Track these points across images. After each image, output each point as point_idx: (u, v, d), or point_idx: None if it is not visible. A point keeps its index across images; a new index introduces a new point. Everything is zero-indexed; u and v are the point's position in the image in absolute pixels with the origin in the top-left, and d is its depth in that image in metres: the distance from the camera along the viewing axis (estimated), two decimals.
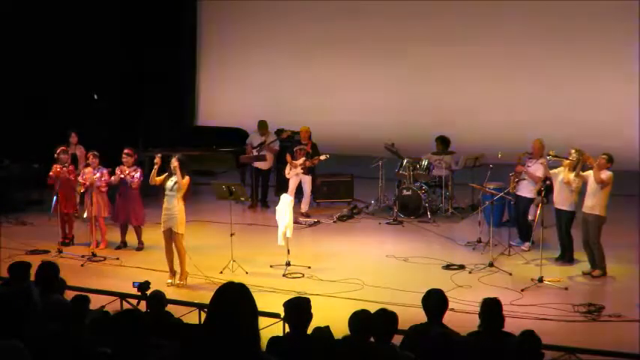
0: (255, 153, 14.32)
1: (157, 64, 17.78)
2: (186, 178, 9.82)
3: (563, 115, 15.56)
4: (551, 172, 10.69)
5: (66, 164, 11.77)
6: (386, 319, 5.44)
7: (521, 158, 11.39)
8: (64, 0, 16.15)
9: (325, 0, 17.51)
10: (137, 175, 11.38)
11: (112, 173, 11.54)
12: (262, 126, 14.54)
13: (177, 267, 9.98)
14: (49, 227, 12.29)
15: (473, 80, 16.35)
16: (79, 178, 11.75)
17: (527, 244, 11.26)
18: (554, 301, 9.03)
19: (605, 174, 9.99)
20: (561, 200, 10.53)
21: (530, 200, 11.14)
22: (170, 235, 9.84)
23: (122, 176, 11.33)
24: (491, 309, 5.78)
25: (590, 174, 10.10)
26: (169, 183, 9.80)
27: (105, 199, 11.62)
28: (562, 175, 10.40)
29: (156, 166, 9.96)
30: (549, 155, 10.62)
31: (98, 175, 11.43)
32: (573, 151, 10.32)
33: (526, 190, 11.22)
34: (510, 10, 16.04)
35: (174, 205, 9.78)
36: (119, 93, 17.34)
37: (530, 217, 11.48)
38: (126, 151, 11.47)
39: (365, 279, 9.88)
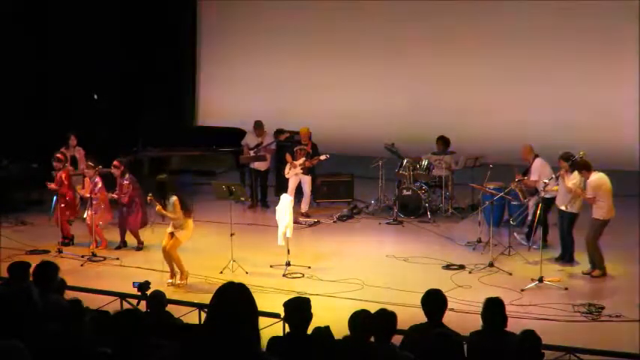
0: (252, 154, 14.31)
1: (157, 64, 17.78)
2: (173, 198, 9.80)
3: (563, 115, 15.55)
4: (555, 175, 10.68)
5: (66, 165, 11.77)
6: (386, 319, 5.44)
7: (517, 168, 11.53)
8: (64, 0, 16.16)
9: (325, 0, 17.51)
10: (131, 187, 11.36)
11: (110, 172, 11.57)
12: (258, 126, 14.51)
13: (176, 267, 9.98)
14: (49, 227, 12.29)
15: (473, 81, 16.33)
16: (79, 191, 11.77)
17: (539, 242, 11.16)
18: (554, 301, 9.04)
19: (571, 182, 10.05)
20: (564, 202, 10.54)
21: (549, 199, 10.97)
22: (170, 238, 9.86)
23: (121, 200, 11.37)
24: (493, 309, 5.79)
25: (589, 181, 10.06)
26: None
27: (106, 206, 11.61)
28: (563, 183, 10.42)
29: (157, 207, 9.95)
30: (546, 186, 10.57)
31: (93, 186, 11.42)
32: (562, 160, 10.35)
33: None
34: (510, 11, 16.03)
35: (178, 222, 9.83)
36: (119, 93, 17.33)
37: (529, 217, 11.49)
38: (114, 163, 11.48)
39: (365, 279, 9.88)
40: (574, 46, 15.63)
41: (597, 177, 10.02)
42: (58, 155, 11.96)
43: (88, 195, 11.37)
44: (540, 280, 9.63)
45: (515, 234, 11.29)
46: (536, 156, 11.52)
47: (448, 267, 10.54)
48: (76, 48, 16.27)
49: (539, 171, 11.32)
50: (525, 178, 11.51)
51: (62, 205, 11.66)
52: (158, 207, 9.82)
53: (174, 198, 9.78)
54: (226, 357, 3.27)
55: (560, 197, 10.62)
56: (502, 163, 12.35)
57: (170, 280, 9.87)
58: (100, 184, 11.45)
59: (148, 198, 10.06)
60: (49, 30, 16.07)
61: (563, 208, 10.56)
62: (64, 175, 11.80)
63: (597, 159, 10.85)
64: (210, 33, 18.98)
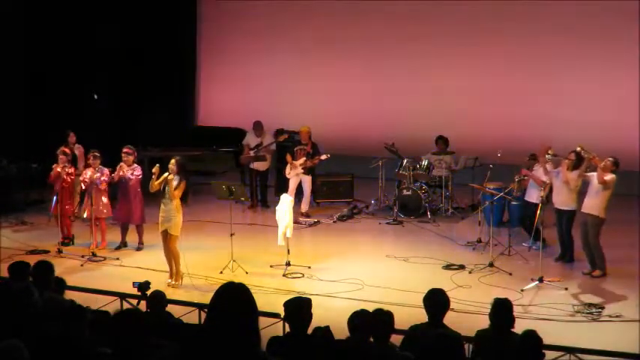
0: (252, 154, 14.32)
1: (157, 63, 17.77)
2: (183, 180, 9.82)
3: (564, 115, 15.55)
4: (552, 171, 10.67)
5: (66, 165, 11.73)
6: (381, 318, 5.44)
7: (529, 161, 11.53)
8: (64, 0, 16.17)
9: (325, 0, 17.51)
10: (136, 172, 11.37)
11: (112, 172, 11.53)
12: (258, 127, 14.52)
13: (174, 267, 9.96)
14: (49, 227, 12.30)
15: (473, 80, 16.33)
16: (80, 178, 11.75)
17: (539, 243, 11.15)
18: (554, 301, 9.03)
19: (609, 176, 9.97)
20: (561, 200, 10.54)
21: (537, 206, 10.92)
22: (166, 236, 9.86)
23: (121, 174, 11.31)
24: (501, 310, 5.81)
25: (592, 175, 10.07)
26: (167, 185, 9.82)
27: (106, 199, 11.59)
28: (561, 174, 10.42)
29: (154, 176, 9.94)
30: (548, 154, 10.61)
31: (98, 174, 11.39)
32: (573, 153, 10.34)
33: (534, 196, 11.03)
34: (510, 10, 16.02)
35: (170, 208, 9.80)
36: (119, 92, 17.32)
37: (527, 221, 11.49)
38: (125, 149, 11.43)
39: (365, 279, 9.87)
40: (575, 46, 15.63)
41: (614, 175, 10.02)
42: (65, 149, 11.95)
43: (92, 180, 11.27)
44: (540, 280, 9.63)
45: (523, 244, 11.29)
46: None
47: (448, 267, 10.54)
48: (75, 47, 16.28)
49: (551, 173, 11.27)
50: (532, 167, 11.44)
51: (62, 202, 11.61)
52: (170, 176, 9.75)
53: (184, 180, 9.80)
54: (226, 357, 3.27)
55: (558, 197, 10.61)
56: (502, 163, 12.34)
57: (169, 280, 9.85)
58: (106, 175, 11.41)
59: (154, 169, 10.01)
60: (49, 30, 16.07)
61: (560, 207, 10.55)
62: (72, 170, 11.81)
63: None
64: (210, 33, 18.99)
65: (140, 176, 11.41)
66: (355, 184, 14.87)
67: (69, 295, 7.23)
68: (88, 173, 11.49)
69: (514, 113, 15.97)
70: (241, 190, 10.88)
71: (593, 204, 10.06)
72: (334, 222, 13.45)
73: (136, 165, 11.49)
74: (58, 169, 11.60)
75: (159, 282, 9.29)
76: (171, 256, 9.87)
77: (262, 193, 14.60)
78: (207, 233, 12.15)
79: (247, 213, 14.05)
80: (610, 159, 10.07)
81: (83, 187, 11.74)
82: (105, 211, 11.59)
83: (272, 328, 6.68)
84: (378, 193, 14.29)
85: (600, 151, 10.36)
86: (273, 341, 5.38)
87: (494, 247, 10.90)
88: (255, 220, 13.47)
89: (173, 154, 14.69)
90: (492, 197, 11.48)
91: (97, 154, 11.60)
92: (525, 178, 11.34)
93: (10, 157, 14.33)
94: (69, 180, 11.70)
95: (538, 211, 10.22)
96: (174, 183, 9.78)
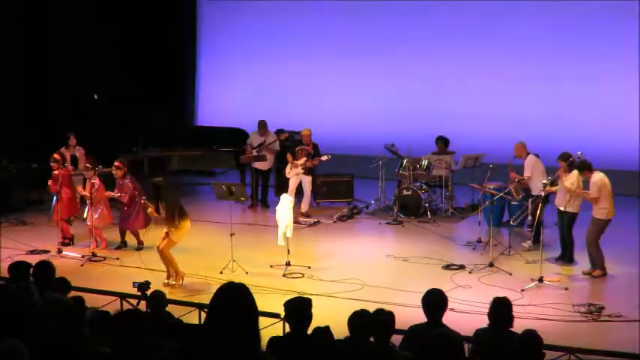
0: (255, 153, 14.32)
1: (157, 63, 17.77)
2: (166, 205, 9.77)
3: (563, 115, 15.57)
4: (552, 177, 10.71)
5: (61, 167, 11.75)
6: (383, 318, 5.44)
7: (511, 166, 11.73)
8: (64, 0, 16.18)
9: (326, 0, 17.52)
10: (96, 184, 11.32)
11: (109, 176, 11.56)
12: (262, 126, 14.54)
13: (171, 268, 9.94)
14: (49, 227, 12.30)
15: (473, 80, 16.34)
16: (79, 189, 11.77)
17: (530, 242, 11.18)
18: (554, 301, 9.03)
19: (568, 182, 10.07)
20: (563, 202, 10.55)
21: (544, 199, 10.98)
22: (165, 237, 9.84)
23: (82, 193, 11.41)
24: (500, 308, 5.82)
25: (593, 181, 10.05)
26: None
27: (105, 208, 11.57)
28: (561, 182, 10.45)
29: (149, 210, 9.91)
30: (546, 187, 10.57)
31: (91, 187, 11.39)
32: (560, 159, 10.37)
33: (537, 188, 11.12)
34: (510, 11, 16.04)
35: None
36: (119, 93, 17.32)
37: (529, 217, 11.51)
38: (115, 164, 11.41)
39: (365, 279, 9.88)
40: (574, 46, 15.64)
41: (600, 177, 10.02)
42: (55, 155, 11.96)
43: (88, 194, 11.36)
44: (540, 280, 9.63)
45: (522, 243, 11.33)
46: (528, 153, 11.64)
47: (448, 267, 10.54)
48: (75, 48, 16.28)
49: (532, 167, 11.49)
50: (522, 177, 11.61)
51: (61, 205, 11.63)
52: (150, 209, 9.82)
53: (168, 202, 9.76)
54: (226, 357, 3.27)
55: (560, 197, 10.63)
56: (502, 163, 12.35)
57: (166, 281, 9.83)
58: (97, 185, 11.41)
59: (142, 201, 10.06)
60: (49, 30, 16.07)
61: (562, 208, 10.57)
62: (61, 175, 11.79)
63: (597, 159, 10.86)
64: (210, 33, 18.99)
65: (137, 189, 11.36)
66: (355, 184, 14.87)
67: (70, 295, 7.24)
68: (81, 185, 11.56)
69: (514, 113, 15.97)
70: (241, 190, 10.88)
71: (597, 208, 10.06)
72: (334, 222, 13.45)
73: (127, 178, 11.42)
74: (55, 183, 11.64)
75: (159, 282, 9.30)
76: (164, 258, 9.84)
77: (263, 192, 14.61)
78: (207, 233, 12.14)
79: (247, 213, 14.06)
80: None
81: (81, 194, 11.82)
82: (104, 219, 11.60)
83: (272, 328, 6.68)
84: (378, 193, 14.29)
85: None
86: (273, 341, 5.38)
87: (494, 247, 10.90)
88: (255, 220, 13.47)
89: (173, 154, 14.84)
90: (492, 197, 11.48)
91: (88, 165, 11.61)
92: (517, 180, 11.44)
93: (10, 157, 14.34)
94: (66, 184, 11.73)
95: (538, 211, 10.23)
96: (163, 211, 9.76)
